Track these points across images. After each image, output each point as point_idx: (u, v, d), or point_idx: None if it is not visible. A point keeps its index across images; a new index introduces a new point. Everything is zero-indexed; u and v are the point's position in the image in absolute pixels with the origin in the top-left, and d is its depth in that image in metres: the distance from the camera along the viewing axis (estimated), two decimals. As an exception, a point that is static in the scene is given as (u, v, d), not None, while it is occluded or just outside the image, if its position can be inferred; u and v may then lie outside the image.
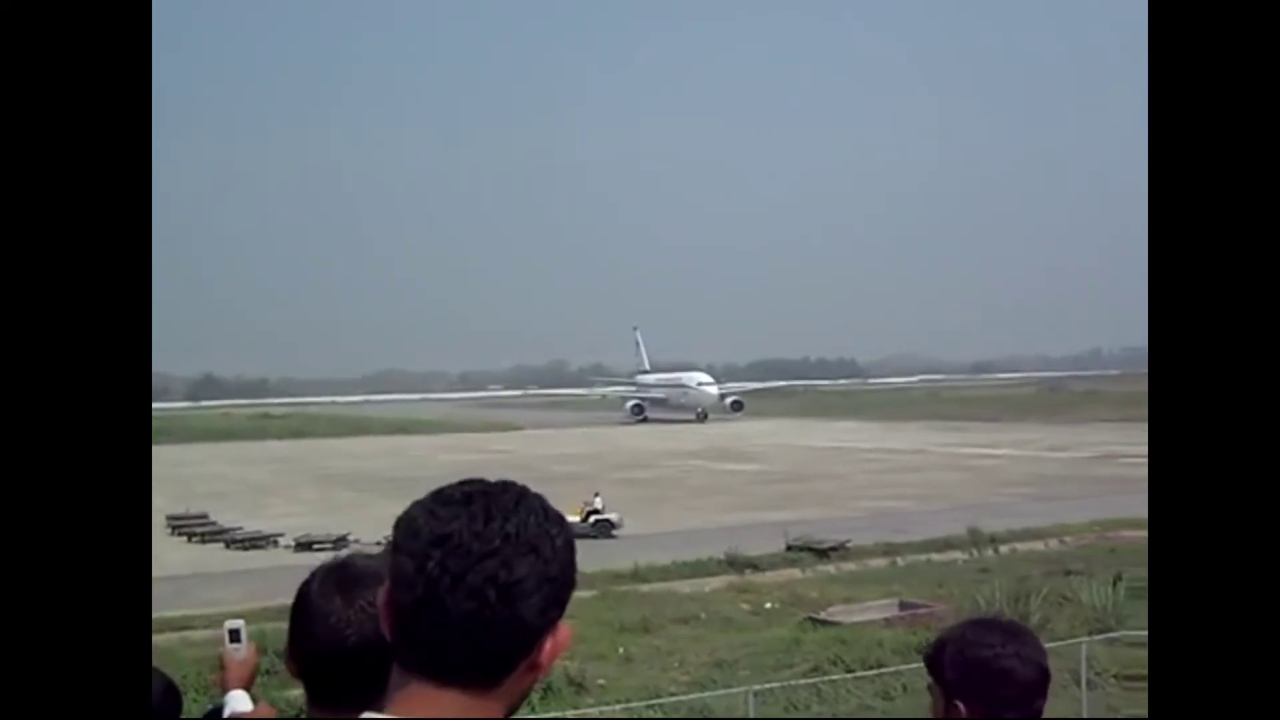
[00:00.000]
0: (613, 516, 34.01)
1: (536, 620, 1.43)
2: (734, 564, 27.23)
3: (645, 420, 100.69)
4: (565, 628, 1.47)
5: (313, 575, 2.12)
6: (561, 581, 1.45)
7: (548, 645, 1.46)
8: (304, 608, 2.07)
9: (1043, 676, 2.43)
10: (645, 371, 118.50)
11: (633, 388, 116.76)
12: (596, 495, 34.67)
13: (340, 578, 2.07)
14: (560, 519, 1.49)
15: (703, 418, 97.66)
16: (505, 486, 1.48)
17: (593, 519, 33.55)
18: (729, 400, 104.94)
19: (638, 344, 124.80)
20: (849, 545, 29.17)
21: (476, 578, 1.39)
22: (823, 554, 28.50)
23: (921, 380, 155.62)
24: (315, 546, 31.77)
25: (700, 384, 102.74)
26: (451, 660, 1.41)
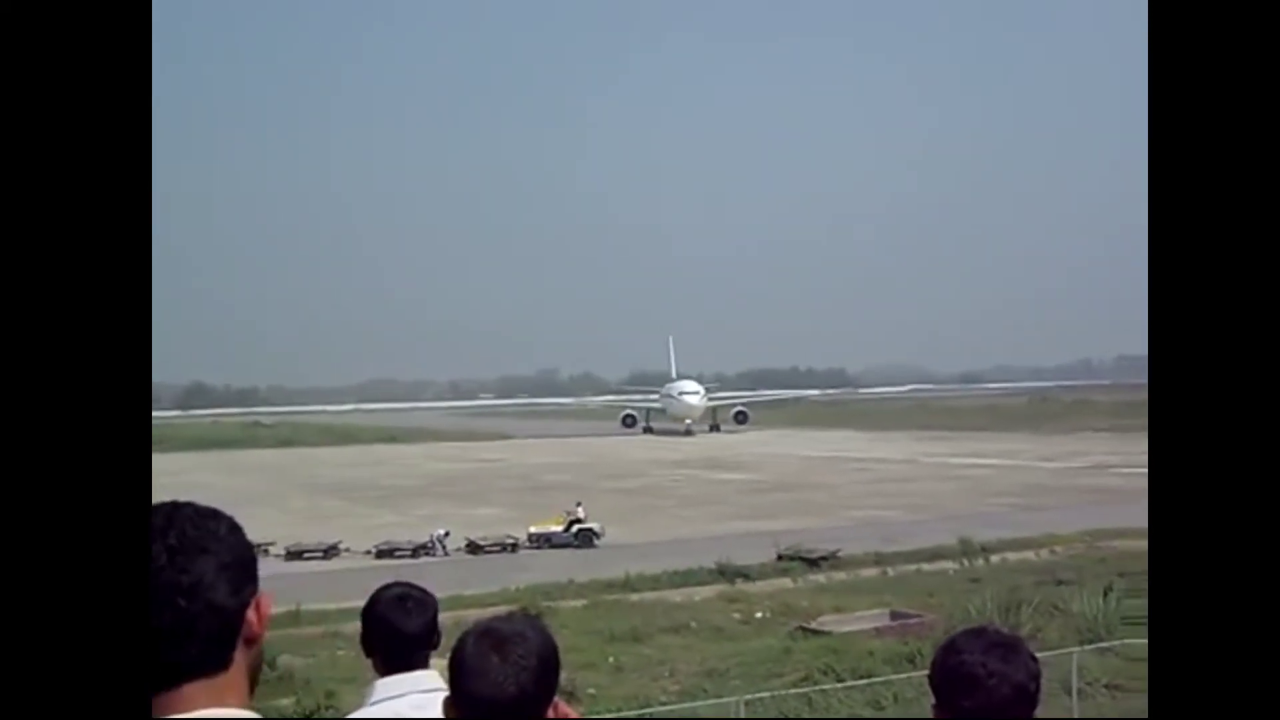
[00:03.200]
0: (595, 526, 34.18)
1: (232, 601, 1.65)
2: (725, 573, 27.26)
3: (650, 430, 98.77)
4: (265, 595, 1.70)
5: (463, 639, 2.34)
6: (239, 563, 1.68)
7: (252, 616, 1.68)
8: (463, 668, 2.29)
9: (1016, 694, 2.33)
10: (673, 380, 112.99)
11: (622, 397, 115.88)
12: (579, 505, 34.87)
13: (493, 640, 2.32)
14: (215, 514, 1.72)
15: (695, 430, 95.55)
16: (153, 511, 1.69)
17: (575, 528, 33.82)
18: (734, 411, 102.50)
19: (669, 352, 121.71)
20: (840, 555, 29.17)
21: (162, 591, 1.61)
22: (813, 563, 28.52)
23: (911, 390, 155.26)
24: (306, 555, 31.71)
25: (681, 393, 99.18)
26: (181, 663, 1.61)
